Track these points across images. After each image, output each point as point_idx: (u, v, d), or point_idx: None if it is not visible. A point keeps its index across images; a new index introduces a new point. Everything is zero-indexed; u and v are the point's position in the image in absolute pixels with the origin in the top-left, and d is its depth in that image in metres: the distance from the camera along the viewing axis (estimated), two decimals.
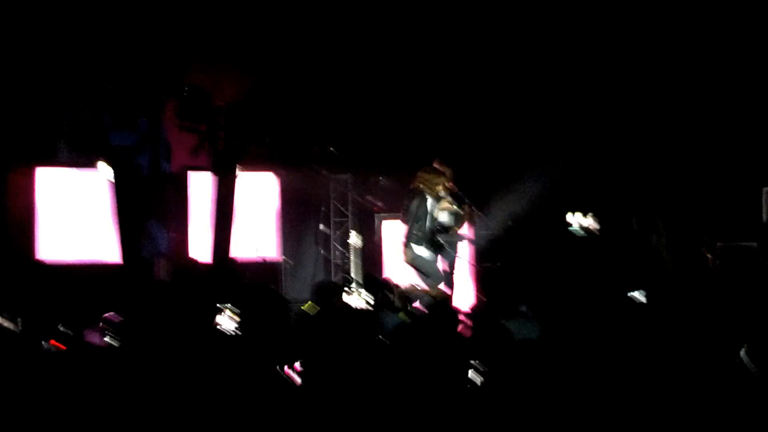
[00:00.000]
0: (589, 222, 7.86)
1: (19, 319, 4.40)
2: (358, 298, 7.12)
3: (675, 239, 8.01)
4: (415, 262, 7.62)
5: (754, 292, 6.06)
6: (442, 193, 7.64)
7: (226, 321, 5.08)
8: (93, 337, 4.70)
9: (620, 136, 9.41)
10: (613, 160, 9.38)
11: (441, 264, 8.10)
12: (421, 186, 7.65)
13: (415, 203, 7.59)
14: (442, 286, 7.47)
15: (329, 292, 5.91)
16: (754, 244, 8.40)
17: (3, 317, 4.41)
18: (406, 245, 7.63)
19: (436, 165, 8.11)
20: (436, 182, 7.59)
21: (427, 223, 7.62)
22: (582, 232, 7.88)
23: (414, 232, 7.57)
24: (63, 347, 3.72)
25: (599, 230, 8.00)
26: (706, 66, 9.06)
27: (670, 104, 9.27)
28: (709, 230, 8.48)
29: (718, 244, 8.36)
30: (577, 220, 7.87)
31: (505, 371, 3.44)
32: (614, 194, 9.06)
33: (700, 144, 9.26)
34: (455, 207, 7.88)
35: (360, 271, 9.18)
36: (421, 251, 7.61)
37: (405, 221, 7.74)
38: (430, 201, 7.64)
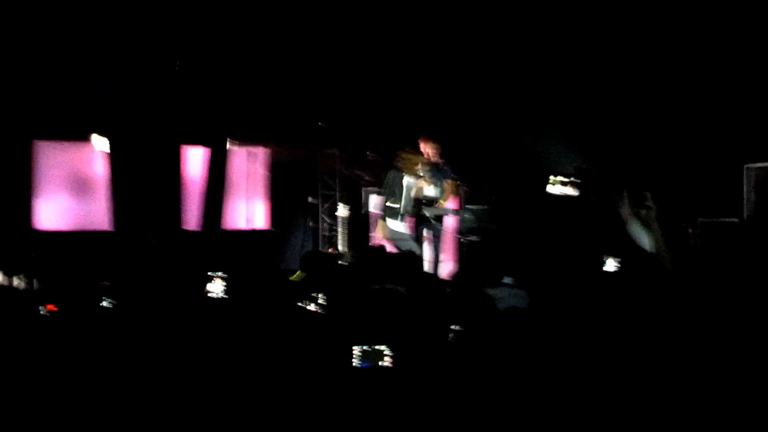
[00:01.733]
0: (569, 185, 7.92)
1: (18, 278, 4.63)
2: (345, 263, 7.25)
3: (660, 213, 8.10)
4: (390, 237, 7.73)
5: (733, 268, 6.16)
6: (420, 173, 7.75)
7: (217, 287, 5.29)
8: (87, 302, 4.92)
9: (606, 111, 9.51)
10: (599, 134, 9.46)
11: (426, 237, 8.27)
12: (399, 164, 7.79)
13: (390, 178, 7.74)
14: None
15: (319, 261, 6.02)
16: (735, 220, 8.51)
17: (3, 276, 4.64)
18: (382, 220, 7.73)
19: (421, 142, 8.26)
20: (415, 161, 7.71)
21: (403, 200, 7.72)
22: (562, 193, 7.91)
23: (389, 206, 7.68)
24: (56, 309, 3.89)
25: (578, 195, 8.05)
26: (691, 45, 9.15)
27: (654, 79, 9.33)
28: (690, 206, 8.58)
29: (699, 219, 8.47)
30: (558, 184, 7.92)
31: (487, 337, 3.47)
32: (602, 167, 9.12)
33: (682, 120, 9.34)
34: (433, 186, 7.99)
35: (346, 242, 9.35)
36: (396, 226, 7.71)
37: (381, 196, 7.86)
38: (407, 178, 7.76)
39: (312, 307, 3.98)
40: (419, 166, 7.70)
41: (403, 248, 7.29)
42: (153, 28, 9.08)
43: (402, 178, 7.72)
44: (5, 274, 4.89)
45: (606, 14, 9.12)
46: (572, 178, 7.78)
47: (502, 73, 9.54)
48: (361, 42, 9.55)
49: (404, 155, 7.80)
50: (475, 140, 9.62)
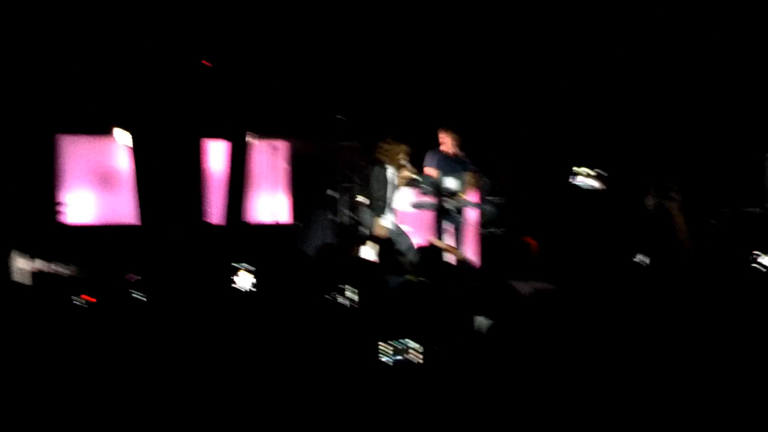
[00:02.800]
0: (594, 178, 7.87)
1: (57, 265, 4.74)
2: (369, 251, 7.21)
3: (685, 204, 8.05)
4: (387, 234, 7.64)
5: (757, 258, 6.11)
6: (402, 162, 7.66)
7: (243, 280, 5.36)
8: (117, 293, 5.02)
9: (629, 102, 9.47)
10: (621, 123, 9.41)
11: (447, 229, 8.30)
12: (380, 157, 7.70)
13: (373, 174, 7.65)
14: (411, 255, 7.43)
15: (339, 251, 6.03)
16: (758, 210, 8.48)
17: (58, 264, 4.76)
18: (374, 217, 7.58)
19: (441, 133, 8.27)
20: (396, 152, 7.62)
21: (388, 193, 7.64)
22: (587, 185, 7.88)
23: (377, 203, 7.60)
24: (93, 300, 3.97)
25: (603, 186, 8.00)
26: (714, 36, 9.09)
27: (678, 71, 9.28)
28: (714, 196, 8.55)
29: (723, 209, 8.44)
30: (583, 175, 7.87)
31: (513, 327, 3.46)
32: (625, 157, 9.07)
33: (705, 111, 9.29)
34: (415, 175, 7.93)
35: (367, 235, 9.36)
36: (385, 222, 7.62)
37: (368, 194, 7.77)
38: (390, 171, 7.68)
39: (340, 299, 4.02)
40: (401, 156, 7.63)
41: (401, 244, 7.10)
42: (174, 22, 9.14)
43: (385, 171, 7.64)
44: (43, 261, 5.02)
45: (630, 6, 9.09)
46: (597, 171, 7.75)
47: (525, 61, 9.50)
48: (380, 33, 9.57)
49: (385, 146, 7.72)
50: (496, 131, 9.61)
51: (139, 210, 8.65)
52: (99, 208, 9.02)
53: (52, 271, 4.89)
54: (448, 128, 8.33)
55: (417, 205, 8.40)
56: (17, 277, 5.40)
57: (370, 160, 7.78)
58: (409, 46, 9.58)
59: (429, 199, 8.31)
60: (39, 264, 5.03)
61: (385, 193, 7.55)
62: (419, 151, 8.53)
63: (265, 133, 9.21)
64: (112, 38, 8.90)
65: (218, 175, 8.90)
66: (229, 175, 8.51)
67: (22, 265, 5.31)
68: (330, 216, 10.11)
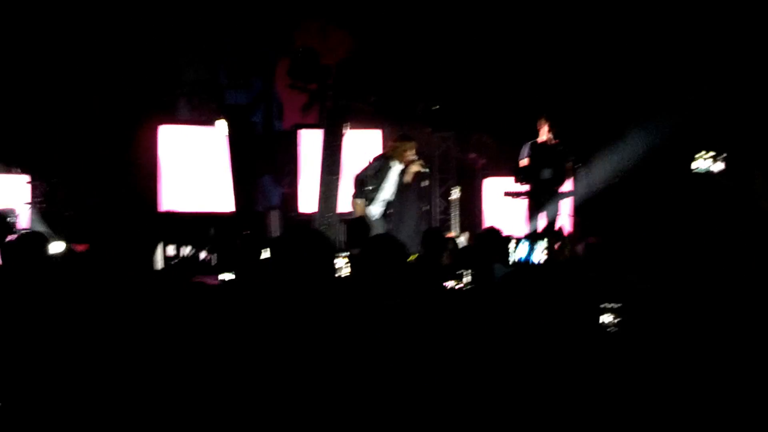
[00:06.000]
0: (714, 161, 7.57)
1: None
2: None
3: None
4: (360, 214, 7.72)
5: None
6: (411, 157, 7.76)
7: (343, 267, 5.45)
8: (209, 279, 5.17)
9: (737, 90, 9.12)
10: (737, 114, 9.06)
11: (541, 218, 8.18)
12: (390, 153, 7.84)
13: (374, 166, 7.80)
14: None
15: (440, 239, 5.99)
16: None
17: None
18: (359, 200, 7.73)
19: (539, 123, 8.18)
20: (404, 149, 7.74)
21: (386, 188, 7.74)
22: (706, 171, 7.59)
23: (367, 190, 7.70)
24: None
25: (723, 172, 7.69)
26: None
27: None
28: None
29: None
30: (707, 159, 7.58)
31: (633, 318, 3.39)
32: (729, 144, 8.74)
33: None
34: (426, 169, 7.98)
35: (460, 226, 9.35)
36: (370, 212, 7.72)
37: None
38: (396, 168, 7.77)
39: (458, 285, 3.98)
40: (408, 153, 7.73)
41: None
42: (270, 14, 9.30)
43: (388, 169, 7.74)
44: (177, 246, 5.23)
45: None
46: (721, 155, 7.47)
47: (634, 45, 9.23)
48: (477, 23, 9.48)
49: (394, 143, 7.85)
50: (597, 120, 9.39)
51: (235, 198, 8.84)
52: (198, 196, 9.24)
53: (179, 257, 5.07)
54: (545, 118, 8.22)
55: (511, 194, 8.33)
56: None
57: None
58: (506, 36, 9.46)
59: (524, 188, 8.23)
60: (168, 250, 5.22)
61: (379, 186, 7.69)
62: (516, 143, 8.44)
63: (360, 122, 9.26)
64: (212, 33, 9.12)
65: (313, 165, 9.00)
66: (323, 165, 8.60)
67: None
68: (423, 206, 10.13)
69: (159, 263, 5.68)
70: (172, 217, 8.59)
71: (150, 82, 9.28)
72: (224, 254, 5.65)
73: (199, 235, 5.68)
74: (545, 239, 5.56)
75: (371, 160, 7.91)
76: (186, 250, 5.45)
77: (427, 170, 8.13)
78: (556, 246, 6.81)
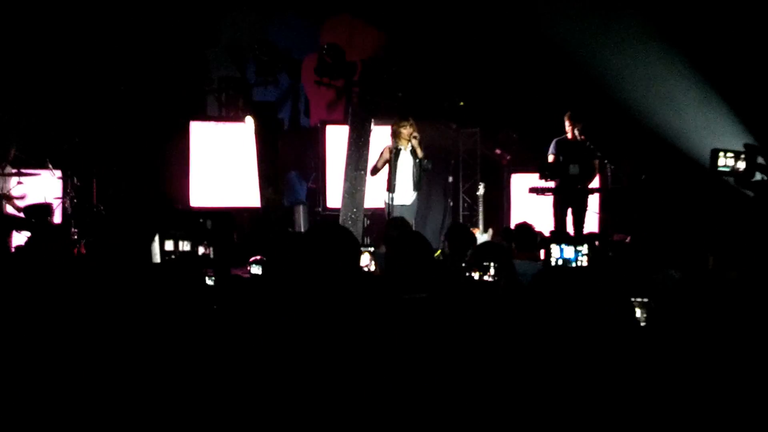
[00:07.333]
0: (738, 159, 7.48)
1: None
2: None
3: None
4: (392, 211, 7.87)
5: None
6: (412, 133, 7.87)
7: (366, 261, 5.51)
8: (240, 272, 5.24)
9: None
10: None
11: (570, 216, 8.16)
12: (393, 139, 7.96)
13: (384, 156, 7.97)
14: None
15: (465, 234, 6.04)
16: None
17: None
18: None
19: (566, 120, 8.17)
20: (401, 126, 7.88)
21: (403, 173, 7.88)
22: (729, 170, 7.50)
23: (391, 181, 7.88)
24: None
25: (745, 170, 7.59)
26: None
27: None
28: None
29: None
30: (729, 158, 7.49)
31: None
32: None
33: None
34: (420, 149, 7.98)
35: (485, 222, 9.34)
36: (392, 199, 7.89)
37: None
38: (404, 153, 7.92)
39: (484, 277, 3.98)
40: (406, 130, 7.85)
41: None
42: (297, 12, 9.38)
43: (397, 155, 7.89)
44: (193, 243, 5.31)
45: None
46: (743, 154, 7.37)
47: (657, 40, 9.17)
48: (503, 20, 9.48)
49: (394, 127, 7.95)
50: (624, 117, 9.34)
51: (261, 194, 8.92)
52: (227, 191, 9.33)
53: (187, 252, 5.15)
54: (573, 115, 8.20)
55: (535, 191, 8.31)
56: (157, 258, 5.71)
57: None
58: (531, 32, 9.45)
59: (549, 185, 8.21)
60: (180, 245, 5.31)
61: (395, 175, 7.81)
62: (542, 139, 8.43)
63: (386, 119, 9.30)
64: (240, 31, 9.20)
65: (340, 161, 9.05)
66: (347, 160, 8.65)
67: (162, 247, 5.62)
68: (451, 203, 10.16)
69: (156, 257, 5.77)
70: (171, 211, 8.68)
71: (181, 80, 9.39)
72: (222, 248, 5.72)
73: (197, 229, 5.73)
74: (586, 243, 5.54)
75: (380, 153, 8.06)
76: (185, 245, 5.52)
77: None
78: (597, 248, 6.78)
